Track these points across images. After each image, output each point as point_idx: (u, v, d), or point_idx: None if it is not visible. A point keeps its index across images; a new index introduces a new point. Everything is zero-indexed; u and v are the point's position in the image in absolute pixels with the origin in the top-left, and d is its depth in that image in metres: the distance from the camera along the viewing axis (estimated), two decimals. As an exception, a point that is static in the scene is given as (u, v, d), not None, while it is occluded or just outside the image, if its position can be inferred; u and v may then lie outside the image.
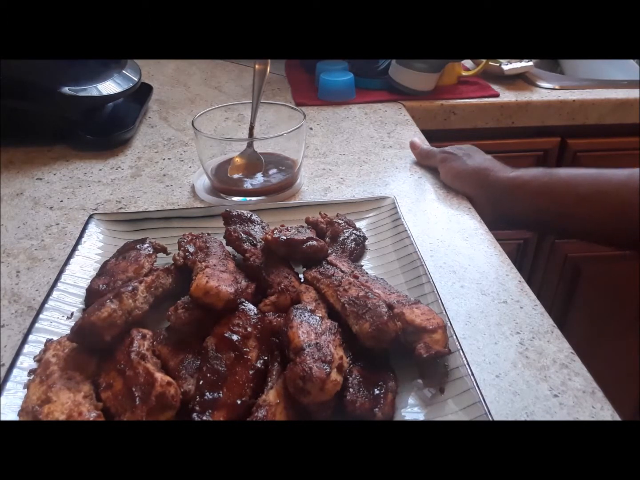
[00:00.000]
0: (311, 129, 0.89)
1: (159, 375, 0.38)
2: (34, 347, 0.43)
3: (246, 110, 0.77)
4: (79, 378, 0.40)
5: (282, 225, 0.53)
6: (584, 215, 0.59)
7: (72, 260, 0.53)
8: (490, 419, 0.37)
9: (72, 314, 0.48)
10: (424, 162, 0.76)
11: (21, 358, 0.42)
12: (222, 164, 0.72)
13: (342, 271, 0.50)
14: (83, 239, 0.56)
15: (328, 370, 0.37)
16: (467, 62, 1.15)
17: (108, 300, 0.42)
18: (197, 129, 0.67)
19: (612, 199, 0.57)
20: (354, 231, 0.58)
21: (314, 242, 0.51)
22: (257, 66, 0.73)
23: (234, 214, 0.56)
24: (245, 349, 0.40)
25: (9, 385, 0.40)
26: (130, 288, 0.44)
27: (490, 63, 1.07)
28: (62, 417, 0.36)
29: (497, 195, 0.65)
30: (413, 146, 0.78)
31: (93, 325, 0.40)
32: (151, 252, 0.53)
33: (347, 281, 0.47)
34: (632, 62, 1.28)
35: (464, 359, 0.42)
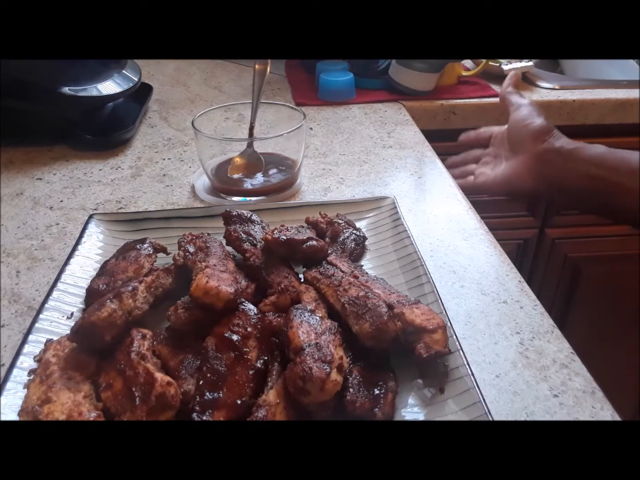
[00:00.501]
0: (311, 129, 0.89)
1: (159, 375, 0.38)
2: (34, 347, 0.43)
3: (246, 110, 0.77)
4: (79, 378, 0.40)
5: (282, 225, 0.53)
6: (635, 189, 0.60)
7: (72, 260, 0.53)
8: (490, 419, 0.37)
9: (72, 314, 0.48)
10: (510, 89, 0.76)
11: (21, 358, 0.42)
12: (222, 164, 0.72)
13: (342, 271, 0.50)
14: (83, 239, 0.56)
15: (328, 370, 0.37)
16: (467, 62, 1.15)
17: (108, 300, 0.42)
18: (197, 129, 0.67)
19: None
20: (354, 231, 0.58)
21: (314, 242, 0.51)
22: (257, 66, 0.73)
23: (234, 214, 0.56)
24: (245, 349, 0.40)
25: (9, 385, 0.40)
26: (130, 288, 0.44)
27: (490, 63, 1.07)
28: (62, 417, 0.36)
29: (552, 158, 0.65)
30: (510, 81, 0.78)
31: (93, 325, 0.40)
32: (151, 252, 0.53)
33: (347, 281, 0.47)
34: (632, 62, 1.28)
35: (464, 359, 0.42)
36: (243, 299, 0.45)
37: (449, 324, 0.44)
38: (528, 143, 0.68)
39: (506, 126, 0.73)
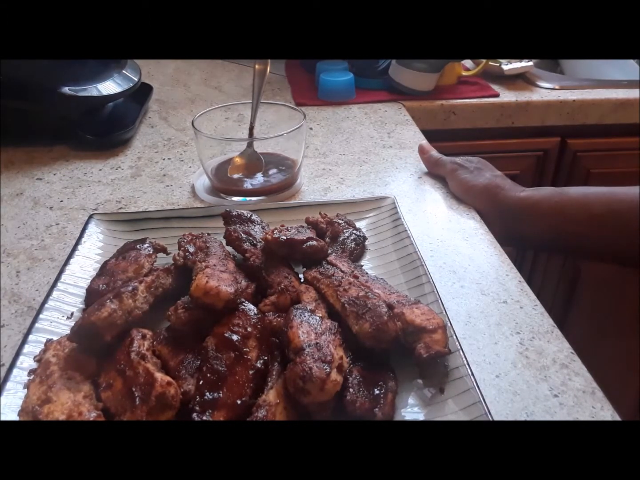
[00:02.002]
0: (311, 129, 0.89)
1: (159, 375, 0.38)
2: (34, 347, 0.43)
3: (246, 110, 0.77)
4: (79, 378, 0.40)
5: (282, 225, 0.53)
6: (597, 235, 0.59)
7: (72, 260, 0.53)
8: (490, 419, 0.37)
9: (72, 314, 0.48)
10: (432, 170, 0.74)
11: (21, 358, 0.42)
12: (222, 164, 0.72)
13: (342, 271, 0.50)
14: (83, 239, 0.56)
15: (328, 370, 0.37)
16: (467, 62, 1.15)
17: (108, 300, 0.42)
18: (197, 129, 0.67)
19: (625, 219, 0.57)
20: (354, 231, 0.58)
21: (314, 242, 0.51)
22: (257, 66, 0.73)
23: (234, 214, 0.56)
24: (245, 349, 0.40)
25: (9, 385, 0.40)
26: (130, 288, 0.44)
27: (490, 63, 1.07)
28: (62, 417, 0.36)
29: (508, 215, 0.64)
30: (422, 150, 0.76)
31: (93, 325, 0.40)
32: (151, 252, 0.53)
33: (347, 281, 0.47)
34: (632, 62, 1.28)
35: (464, 359, 0.42)
36: (243, 299, 0.45)
37: (449, 324, 0.44)
38: (478, 204, 0.67)
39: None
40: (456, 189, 0.69)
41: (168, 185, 0.73)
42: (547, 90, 1.04)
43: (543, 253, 1.13)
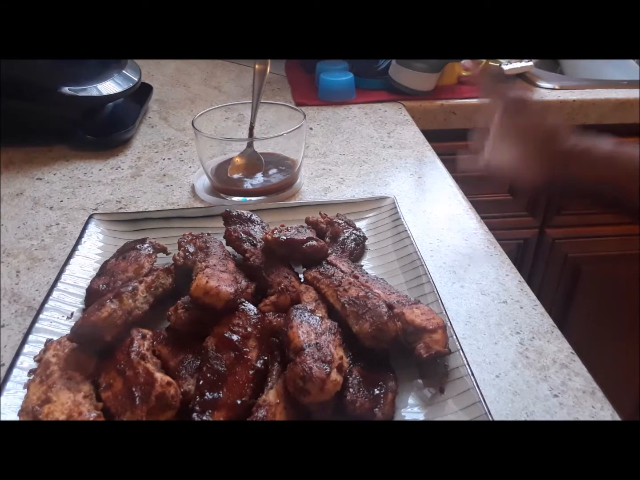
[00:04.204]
0: (311, 129, 0.89)
1: (159, 375, 0.38)
2: (34, 347, 0.43)
3: (246, 110, 0.77)
4: (79, 378, 0.40)
5: (282, 225, 0.53)
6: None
7: (72, 260, 0.53)
8: (490, 419, 0.37)
9: (72, 314, 0.48)
10: (487, 89, 0.69)
11: (21, 358, 0.42)
12: (222, 164, 0.72)
13: (342, 271, 0.50)
14: (83, 239, 0.56)
15: (328, 370, 0.37)
16: (467, 62, 1.15)
17: (108, 300, 0.42)
18: (197, 129, 0.67)
19: None
20: (354, 231, 0.58)
21: (314, 242, 0.51)
22: (257, 66, 0.73)
23: (234, 214, 0.56)
24: (245, 349, 0.40)
25: (9, 385, 0.40)
26: (130, 288, 0.44)
27: (490, 63, 1.07)
28: (62, 417, 0.36)
29: (558, 159, 0.61)
30: (470, 66, 0.71)
31: (93, 325, 0.40)
32: (151, 252, 0.53)
33: (347, 281, 0.47)
34: (632, 62, 1.28)
35: (464, 359, 0.42)
36: (243, 299, 0.45)
37: (449, 324, 0.44)
38: (546, 142, 0.63)
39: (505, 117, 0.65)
40: (530, 117, 0.64)
41: (168, 185, 0.73)
42: (547, 90, 1.04)
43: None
